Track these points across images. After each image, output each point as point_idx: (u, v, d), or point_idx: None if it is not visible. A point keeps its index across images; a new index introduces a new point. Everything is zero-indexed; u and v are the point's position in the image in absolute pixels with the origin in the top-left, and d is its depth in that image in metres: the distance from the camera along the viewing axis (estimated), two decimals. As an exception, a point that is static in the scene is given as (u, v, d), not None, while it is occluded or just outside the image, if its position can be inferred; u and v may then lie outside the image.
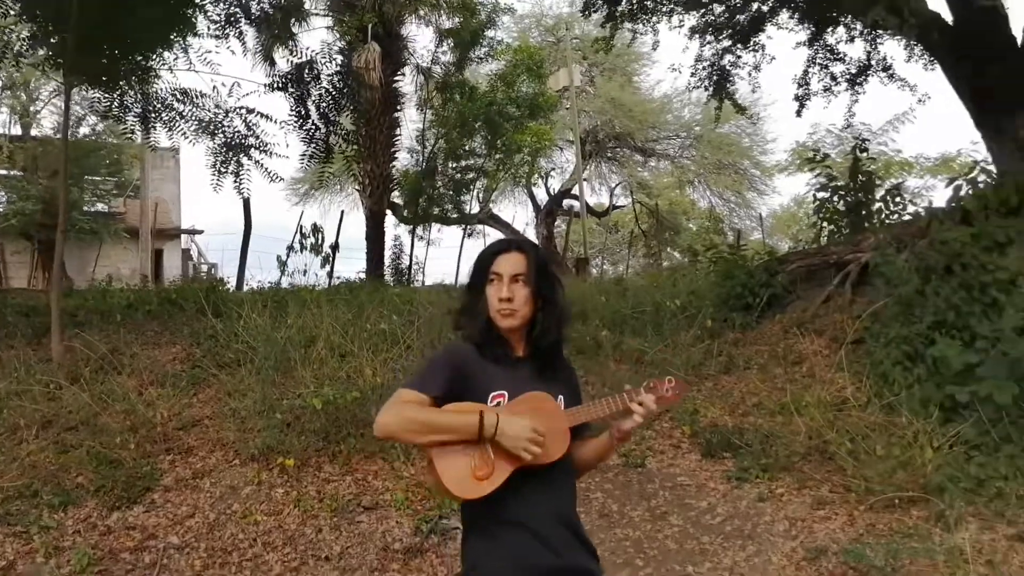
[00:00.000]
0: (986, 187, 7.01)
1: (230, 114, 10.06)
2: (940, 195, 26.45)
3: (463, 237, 18.93)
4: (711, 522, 5.14)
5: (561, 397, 2.47)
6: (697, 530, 5.06)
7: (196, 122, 9.74)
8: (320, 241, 10.90)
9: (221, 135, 9.92)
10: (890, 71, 10.40)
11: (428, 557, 4.79)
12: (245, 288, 10.71)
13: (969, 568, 4.29)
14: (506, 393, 2.36)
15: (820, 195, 8.05)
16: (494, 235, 23.01)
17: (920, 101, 11.35)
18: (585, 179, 23.33)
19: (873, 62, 10.28)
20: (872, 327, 6.64)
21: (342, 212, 16.78)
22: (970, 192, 7.04)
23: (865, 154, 7.79)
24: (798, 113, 10.97)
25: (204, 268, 21.15)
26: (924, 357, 5.87)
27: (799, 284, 7.69)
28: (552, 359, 2.57)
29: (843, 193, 7.80)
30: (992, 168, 7.38)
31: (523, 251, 2.52)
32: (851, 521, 4.98)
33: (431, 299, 8.97)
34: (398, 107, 14.38)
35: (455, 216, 16.68)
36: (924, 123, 46.47)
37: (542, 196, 25.20)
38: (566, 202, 25.09)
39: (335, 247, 13.21)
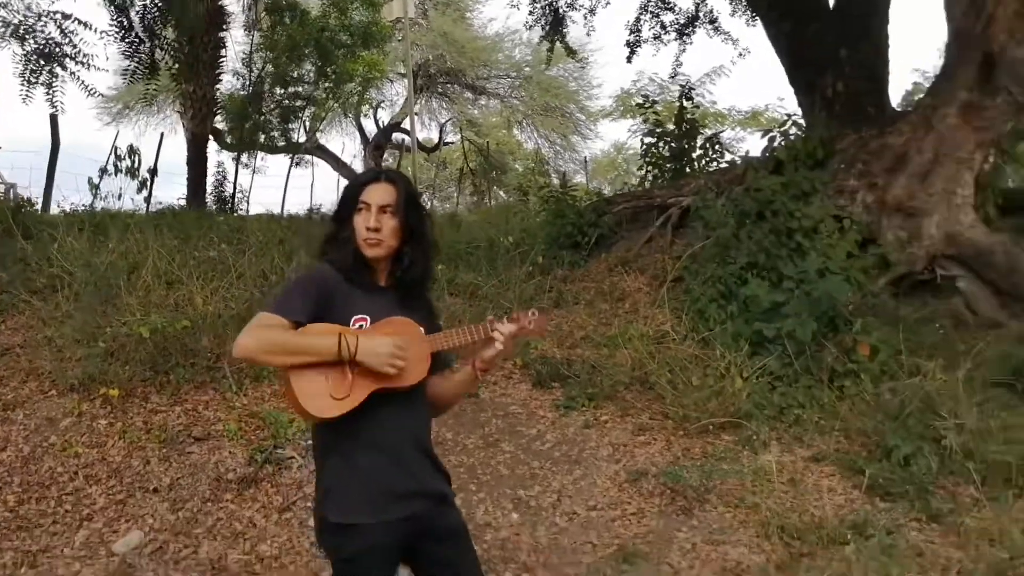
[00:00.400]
0: (796, 140, 7.54)
1: (43, 18, 9.24)
2: (749, 146, 28.18)
3: (290, 167, 18.42)
4: (541, 448, 5.37)
5: (422, 328, 2.49)
6: (528, 456, 5.27)
7: (2, 24, 8.87)
8: (137, 164, 10.24)
9: (32, 41, 9.09)
10: (716, 24, 10.94)
11: (263, 487, 4.74)
12: (56, 211, 9.96)
13: (773, 486, 4.72)
14: (368, 318, 2.38)
15: (647, 140, 8.44)
16: (323, 166, 22.50)
17: (740, 55, 11.97)
18: (416, 113, 23.09)
19: (701, 14, 10.76)
20: (691, 267, 7.06)
21: (161, 135, 15.87)
22: (782, 144, 7.55)
23: (690, 103, 8.20)
24: (628, 59, 11.36)
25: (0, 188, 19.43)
26: (737, 295, 6.31)
27: (624, 225, 8.04)
28: (416, 291, 2.61)
29: (668, 139, 8.20)
30: (802, 122, 7.95)
31: (393, 182, 2.53)
32: (668, 446, 5.35)
33: (261, 228, 8.72)
34: (224, 26, 13.64)
35: (282, 144, 16.12)
36: (738, 77, 49.45)
37: (371, 128, 24.77)
38: (395, 136, 24.79)
39: (153, 171, 12.52)
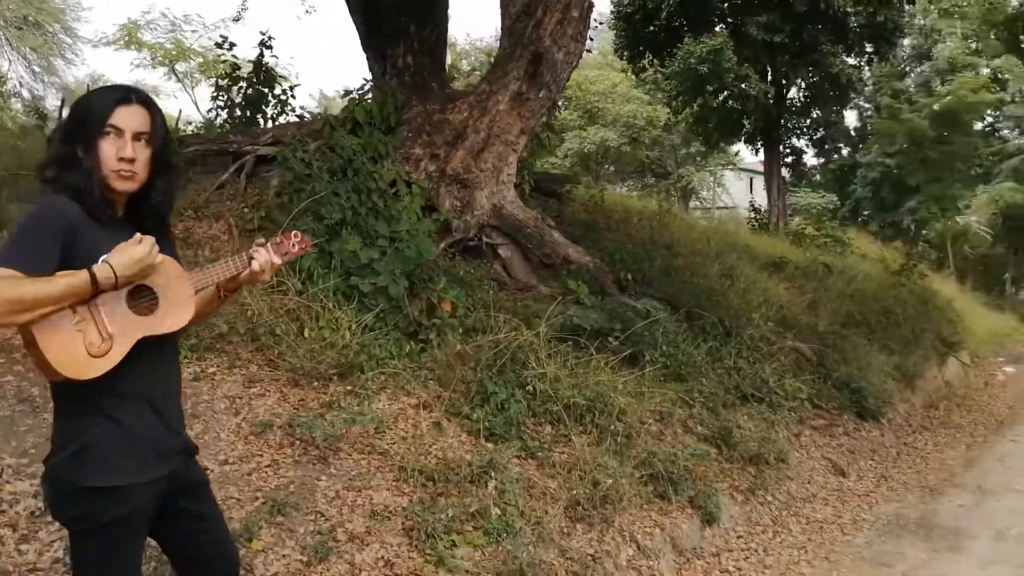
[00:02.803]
0: (373, 103, 7.87)
1: None
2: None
3: None
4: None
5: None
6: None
7: None
8: None
9: None
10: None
11: None
12: None
13: (394, 431, 5.04)
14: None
15: (222, 83, 8.00)
16: None
17: (307, 12, 11.78)
18: None
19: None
20: (275, 216, 6.97)
21: None
22: (359, 105, 7.82)
23: (270, 51, 8.03)
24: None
25: None
26: (336, 251, 6.46)
27: (194, 168, 7.61)
28: (163, 226, 2.44)
29: (244, 85, 7.90)
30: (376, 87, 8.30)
31: (148, 106, 2.30)
32: (284, 397, 5.33)
33: None
34: None
35: None
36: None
37: None
38: None
39: None
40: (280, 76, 8.03)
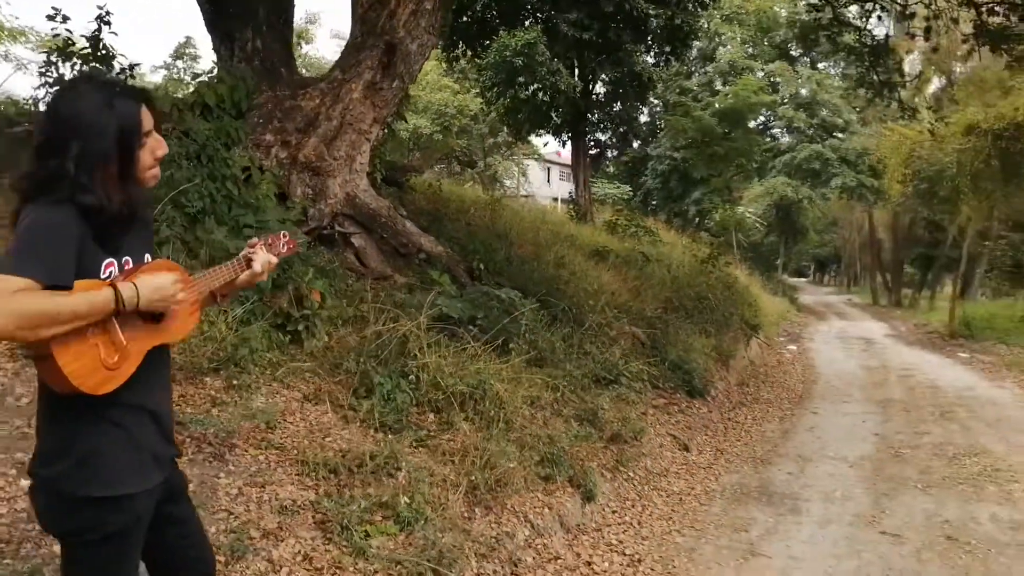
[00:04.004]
0: (223, 87, 7.57)
1: None
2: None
3: None
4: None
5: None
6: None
7: None
8: None
9: None
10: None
11: None
12: None
13: (285, 426, 5.00)
14: (115, 260, 2.10)
15: (52, 59, 7.30)
16: None
17: None
18: None
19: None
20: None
21: None
22: (210, 88, 7.50)
23: (108, 27, 7.44)
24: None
25: None
26: (204, 241, 6.22)
27: (24, 151, 7.02)
28: (149, 219, 2.44)
29: (79, 62, 7.25)
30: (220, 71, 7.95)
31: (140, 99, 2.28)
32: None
33: None
34: None
35: None
36: None
37: None
38: None
39: None
40: (120, 54, 7.53)
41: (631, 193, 32.93)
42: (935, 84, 30.76)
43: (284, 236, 2.63)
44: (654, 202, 33.20)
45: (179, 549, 2.47)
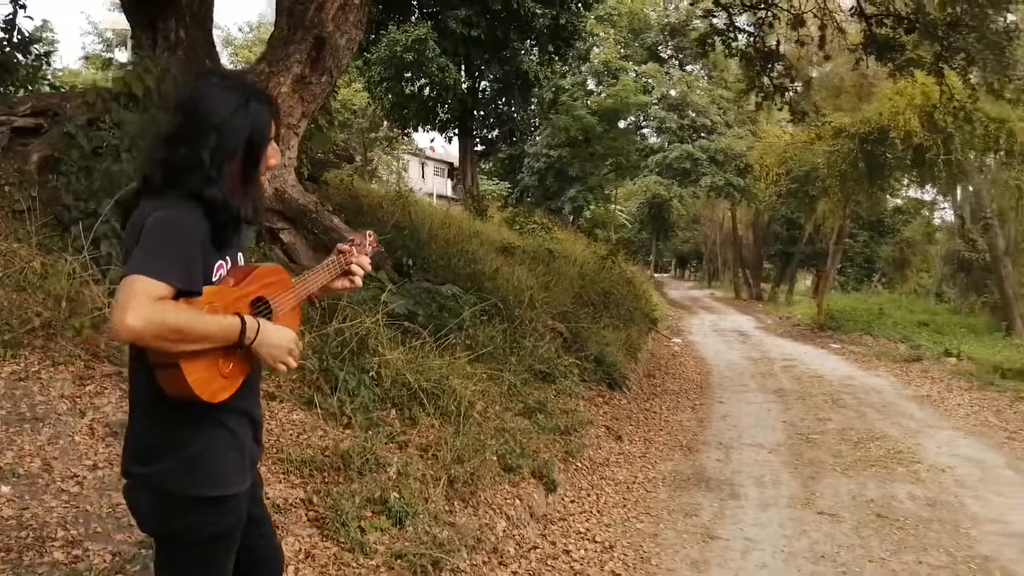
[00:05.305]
0: (150, 77, 7.28)
1: None
2: None
3: None
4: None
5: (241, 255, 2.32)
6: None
7: None
8: None
9: None
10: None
11: None
12: None
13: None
14: (224, 263, 2.12)
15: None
16: None
17: None
18: None
19: None
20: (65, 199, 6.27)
21: None
22: (138, 78, 7.21)
23: (24, 11, 6.98)
24: None
25: None
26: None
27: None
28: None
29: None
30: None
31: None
32: (126, 394, 4.91)
33: None
34: None
35: None
36: None
37: None
38: None
39: None
40: (35, 40, 7.11)
41: (509, 189, 33.28)
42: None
43: (369, 235, 2.64)
44: (530, 199, 33.67)
45: (258, 549, 2.46)
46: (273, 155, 2.21)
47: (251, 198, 2.15)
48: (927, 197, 30.57)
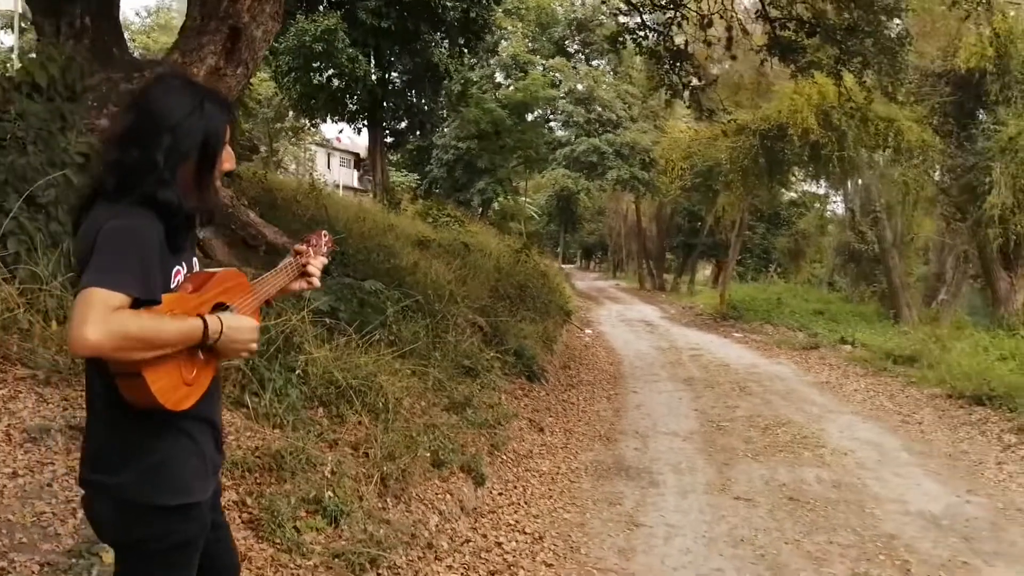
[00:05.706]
0: (54, 66, 7.00)
1: None
2: None
3: None
4: None
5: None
6: None
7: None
8: None
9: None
10: None
11: None
12: None
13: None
14: (181, 268, 2.11)
15: None
16: None
17: None
18: None
19: None
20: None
21: None
22: (41, 67, 6.93)
23: None
24: None
25: None
26: (56, 236, 5.77)
27: None
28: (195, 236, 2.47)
29: None
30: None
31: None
32: (43, 398, 4.74)
33: None
34: None
35: None
36: None
37: None
38: None
39: None
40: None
41: (418, 181, 33.15)
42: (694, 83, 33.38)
43: (324, 235, 2.65)
44: (438, 190, 33.62)
45: (218, 555, 2.45)
46: (228, 159, 2.18)
47: (205, 201, 2.13)
48: (820, 191, 31.72)
